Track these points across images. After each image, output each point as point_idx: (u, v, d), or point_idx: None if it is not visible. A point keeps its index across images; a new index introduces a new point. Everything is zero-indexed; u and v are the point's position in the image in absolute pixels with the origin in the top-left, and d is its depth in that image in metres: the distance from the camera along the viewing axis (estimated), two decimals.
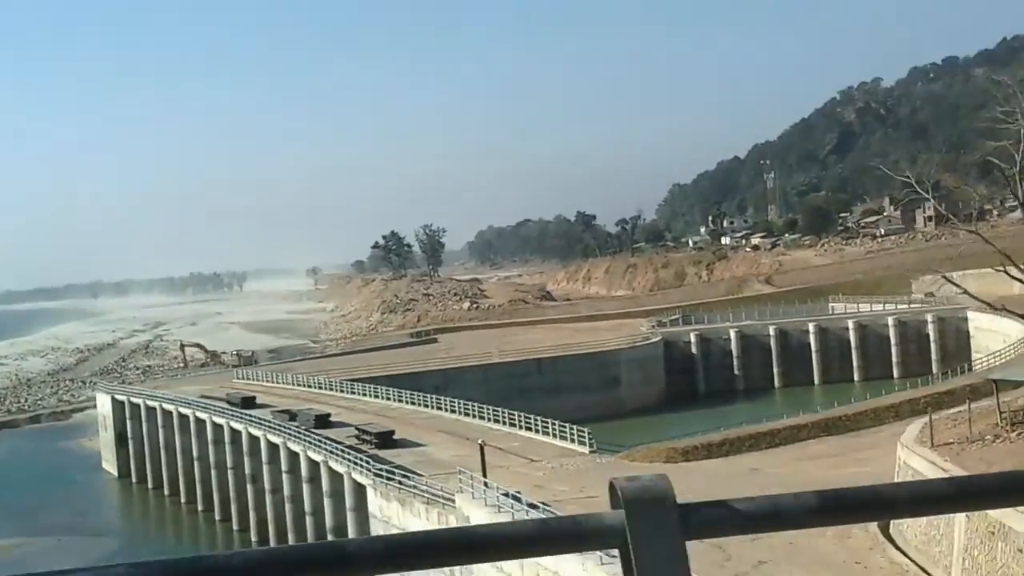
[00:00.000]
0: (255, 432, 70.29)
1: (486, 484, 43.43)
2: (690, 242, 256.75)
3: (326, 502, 58.52)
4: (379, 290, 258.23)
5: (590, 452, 52.95)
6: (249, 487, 71.34)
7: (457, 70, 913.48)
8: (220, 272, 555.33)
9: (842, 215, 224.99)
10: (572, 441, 55.14)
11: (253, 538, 70.11)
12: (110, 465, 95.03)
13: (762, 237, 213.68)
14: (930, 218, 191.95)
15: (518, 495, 41.58)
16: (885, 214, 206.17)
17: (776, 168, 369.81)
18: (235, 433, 74.17)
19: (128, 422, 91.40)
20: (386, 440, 59.62)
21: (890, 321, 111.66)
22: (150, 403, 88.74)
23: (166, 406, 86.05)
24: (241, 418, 73.95)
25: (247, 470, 71.42)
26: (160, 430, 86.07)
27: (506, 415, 64.29)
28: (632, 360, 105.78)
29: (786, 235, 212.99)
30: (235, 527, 73.63)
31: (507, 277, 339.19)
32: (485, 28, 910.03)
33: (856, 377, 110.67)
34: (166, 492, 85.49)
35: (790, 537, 29.92)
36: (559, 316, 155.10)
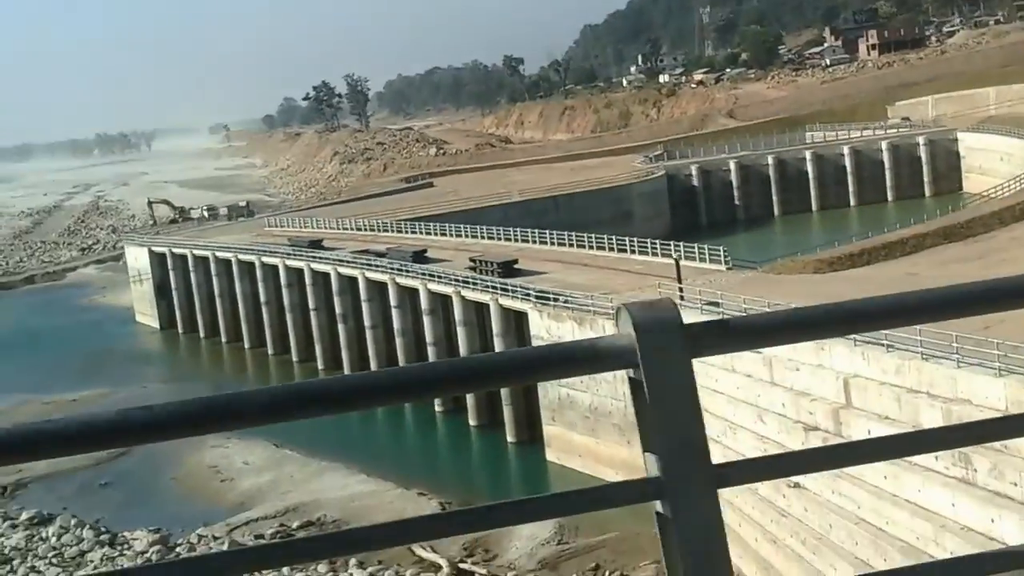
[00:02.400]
0: (348, 272, 71.96)
1: (682, 295, 46.32)
2: (624, 82, 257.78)
3: (459, 331, 60.77)
4: (314, 143, 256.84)
5: (727, 268, 55.92)
6: (340, 326, 73.19)
7: None
8: (126, 132, 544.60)
9: (778, 48, 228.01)
10: (702, 260, 58.09)
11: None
12: (147, 318, 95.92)
13: (705, 73, 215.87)
14: (873, 46, 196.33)
15: (717, 302, 44.65)
16: (827, 44, 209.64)
17: (686, 4, 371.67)
18: (317, 275, 75.74)
19: (171, 273, 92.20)
20: (509, 269, 61.84)
21: (883, 145, 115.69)
22: (199, 253, 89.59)
23: (221, 254, 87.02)
24: (325, 260, 75.50)
25: (338, 309, 73.08)
26: (215, 278, 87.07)
27: (612, 241, 67.13)
28: (643, 194, 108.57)
29: (728, 70, 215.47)
30: (320, 365, 75.68)
31: (427, 126, 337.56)
32: None
33: (852, 202, 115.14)
34: (224, 339, 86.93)
35: None
36: (532, 158, 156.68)
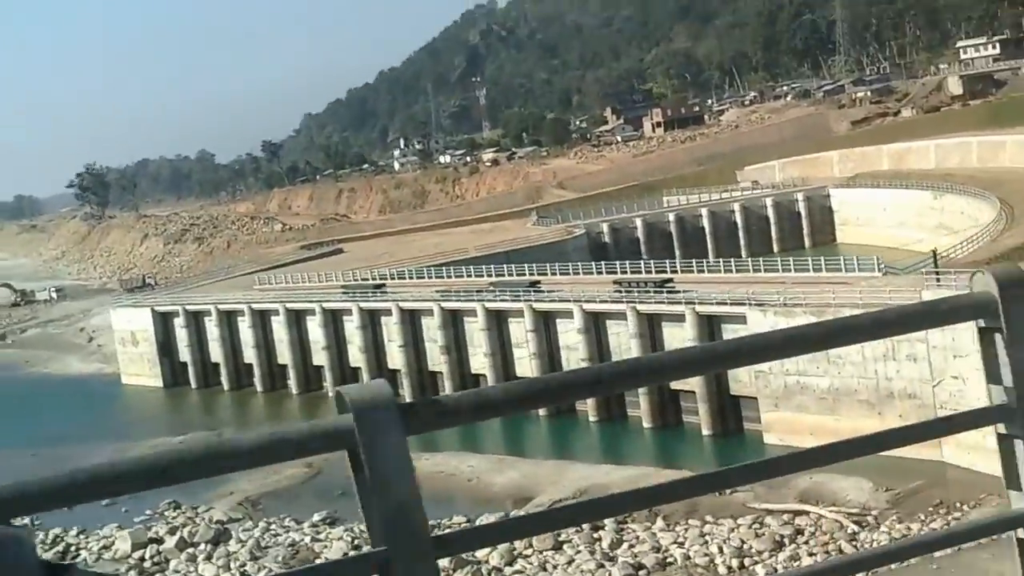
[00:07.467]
0: (458, 305, 76.96)
1: (938, 276, 55.31)
2: (396, 164, 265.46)
3: (632, 343, 67.06)
4: (83, 230, 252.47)
5: (883, 275, 65.01)
6: (443, 357, 77.52)
7: None
8: None
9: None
10: (850, 271, 67.18)
11: None
12: (143, 378, 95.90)
13: (496, 152, 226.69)
14: (658, 124, 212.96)
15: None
16: (611, 124, 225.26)
17: (409, 94, 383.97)
18: (404, 313, 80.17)
19: (184, 330, 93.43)
20: (663, 286, 68.99)
21: (768, 202, 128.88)
22: (226, 307, 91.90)
23: (258, 306, 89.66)
24: (423, 298, 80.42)
25: (441, 342, 77.62)
26: (250, 330, 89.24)
27: (731, 263, 75.52)
28: (576, 249, 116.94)
29: (514, 150, 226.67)
30: (407, 396, 79.39)
31: (167, 214, 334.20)
32: None
33: (744, 254, 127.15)
34: (260, 388, 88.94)
35: None
36: (384, 231, 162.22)
